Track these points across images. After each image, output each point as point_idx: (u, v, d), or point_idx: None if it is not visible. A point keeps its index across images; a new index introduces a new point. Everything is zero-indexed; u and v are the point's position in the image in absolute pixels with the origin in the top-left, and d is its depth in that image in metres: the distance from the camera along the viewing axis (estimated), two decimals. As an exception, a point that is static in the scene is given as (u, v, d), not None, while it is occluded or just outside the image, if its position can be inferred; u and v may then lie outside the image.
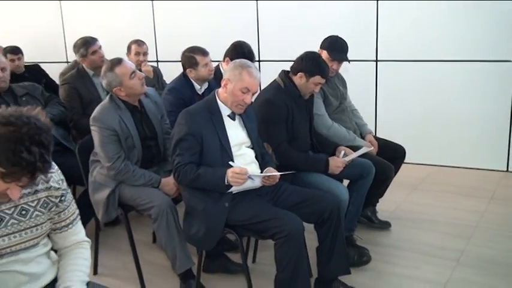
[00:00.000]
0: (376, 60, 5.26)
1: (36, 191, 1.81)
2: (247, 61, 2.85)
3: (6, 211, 1.75)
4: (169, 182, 3.10)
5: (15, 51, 5.28)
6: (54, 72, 5.51)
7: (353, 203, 3.33)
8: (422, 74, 5.11)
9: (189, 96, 3.64)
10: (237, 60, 2.86)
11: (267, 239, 2.78)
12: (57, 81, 5.03)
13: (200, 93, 3.77)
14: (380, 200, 3.86)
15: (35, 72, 5.42)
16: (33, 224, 1.82)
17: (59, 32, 6.97)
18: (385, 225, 3.82)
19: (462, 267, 3.24)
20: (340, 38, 3.64)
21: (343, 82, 3.86)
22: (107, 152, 3.05)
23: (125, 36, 5.17)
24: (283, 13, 5.60)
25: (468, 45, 4.89)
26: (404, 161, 3.90)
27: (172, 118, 3.37)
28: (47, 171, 1.67)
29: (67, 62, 6.50)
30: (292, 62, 3.25)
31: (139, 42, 4.82)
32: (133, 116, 3.13)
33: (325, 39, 3.64)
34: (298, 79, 3.18)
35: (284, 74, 3.26)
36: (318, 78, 3.15)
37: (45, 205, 1.85)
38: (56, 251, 2.02)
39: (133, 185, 3.08)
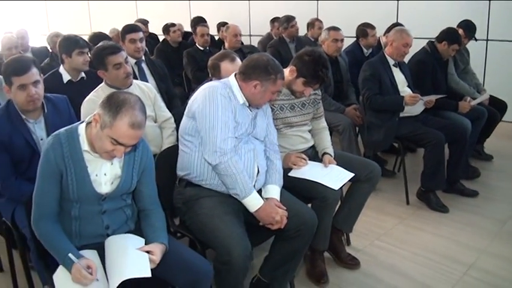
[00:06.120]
0: (487, 40, 5.52)
1: (310, 95, 2.60)
2: (404, 27, 3.52)
3: (297, 103, 2.58)
4: (350, 110, 3.81)
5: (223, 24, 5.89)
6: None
7: (471, 136, 3.78)
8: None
9: (360, 57, 4.27)
10: (397, 27, 3.52)
11: (420, 147, 3.50)
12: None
13: (366, 55, 4.36)
14: (487, 140, 4.30)
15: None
16: (306, 112, 2.62)
17: (246, 14, 7.51)
18: (489, 157, 4.31)
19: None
20: (473, 23, 4.09)
21: (467, 52, 4.31)
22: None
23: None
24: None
25: None
26: (504, 120, 4.31)
27: (349, 70, 4.12)
28: (327, 82, 2.53)
29: (250, 35, 7.31)
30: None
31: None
32: (332, 67, 3.81)
33: (463, 21, 4.09)
34: (442, 46, 3.69)
35: (430, 42, 3.79)
36: (455, 46, 3.68)
37: (312, 103, 2.66)
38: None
39: (327, 110, 3.72)
